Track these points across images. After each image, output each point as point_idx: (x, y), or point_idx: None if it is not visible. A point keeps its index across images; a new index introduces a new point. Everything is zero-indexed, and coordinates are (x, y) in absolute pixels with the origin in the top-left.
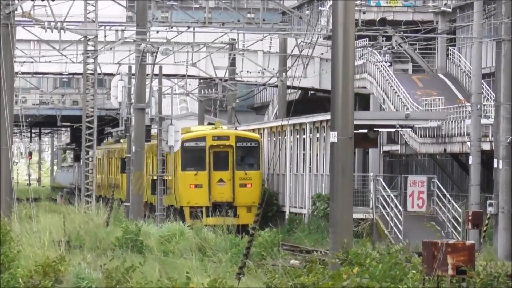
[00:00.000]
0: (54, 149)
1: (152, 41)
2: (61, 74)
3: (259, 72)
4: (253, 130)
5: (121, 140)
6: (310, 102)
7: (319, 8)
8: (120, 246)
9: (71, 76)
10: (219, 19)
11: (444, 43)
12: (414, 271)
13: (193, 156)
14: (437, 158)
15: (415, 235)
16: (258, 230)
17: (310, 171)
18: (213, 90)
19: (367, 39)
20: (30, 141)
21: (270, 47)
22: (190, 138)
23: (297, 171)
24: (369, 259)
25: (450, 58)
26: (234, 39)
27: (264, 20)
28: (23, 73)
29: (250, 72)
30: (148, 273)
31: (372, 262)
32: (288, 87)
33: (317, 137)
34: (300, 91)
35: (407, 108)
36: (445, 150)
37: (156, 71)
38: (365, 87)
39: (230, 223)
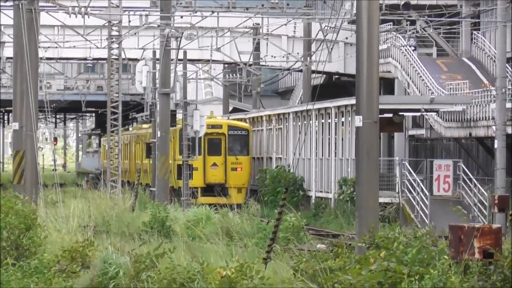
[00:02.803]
0: (79, 135)
1: (176, 26)
2: (85, 59)
3: (283, 57)
4: (278, 115)
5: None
6: (334, 86)
7: None
8: (147, 231)
9: (95, 61)
10: (243, 4)
11: (468, 27)
12: (446, 257)
13: None
14: (462, 142)
15: (441, 219)
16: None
17: (335, 156)
18: (238, 74)
19: (391, 23)
20: (55, 127)
21: (294, 31)
22: None
23: (322, 156)
24: (396, 243)
25: (475, 42)
26: (258, 24)
27: (288, 4)
28: (47, 58)
29: (275, 57)
30: (176, 257)
31: (399, 246)
32: (313, 71)
33: (342, 122)
34: (324, 75)
35: (432, 92)
36: (470, 134)
37: (181, 56)
38: (389, 72)
39: (223, 202)
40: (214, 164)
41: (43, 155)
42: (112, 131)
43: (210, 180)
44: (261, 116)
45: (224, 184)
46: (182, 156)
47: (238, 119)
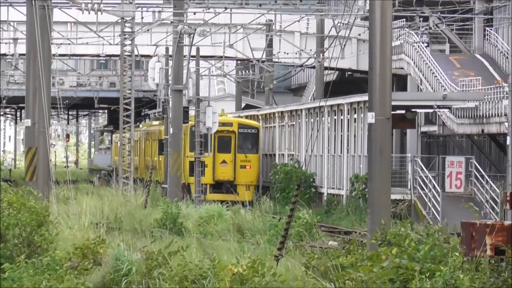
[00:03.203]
0: (92, 131)
1: (189, 22)
2: (98, 56)
3: (296, 53)
4: (291, 112)
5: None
6: (347, 83)
7: None
8: (159, 228)
9: (108, 57)
10: (256, 0)
11: (481, 24)
12: (457, 254)
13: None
14: (474, 138)
15: (453, 216)
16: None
17: (348, 152)
18: (251, 71)
19: (404, 19)
20: (68, 123)
21: (307, 28)
22: None
23: (335, 152)
24: (407, 240)
25: (487, 38)
26: (271, 20)
27: (301, 1)
28: (60, 55)
29: (287, 53)
30: (188, 254)
31: (411, 243)
32: (326, 68)
33: (355, 118)
34: (337, 72)
35: (445, 89)
36: (482, 130)
37: (193, 52)
38: (402, 68)
39: (231, 199)
40: (224, 162)
41: (55, 152)
42: (125, 128)
43: (219, 177)
44: (274, 113)
45: (233, 181)
46: (194, 153)
47: (250, 116)
